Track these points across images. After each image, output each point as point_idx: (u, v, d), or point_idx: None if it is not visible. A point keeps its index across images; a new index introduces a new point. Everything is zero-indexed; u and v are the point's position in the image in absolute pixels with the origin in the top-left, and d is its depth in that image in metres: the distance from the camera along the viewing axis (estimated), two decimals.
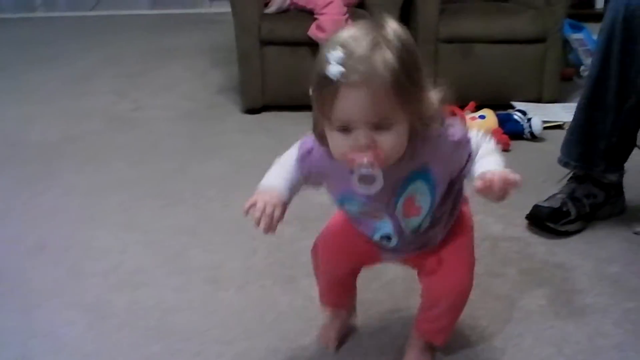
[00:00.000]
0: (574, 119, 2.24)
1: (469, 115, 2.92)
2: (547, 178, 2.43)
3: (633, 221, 2.27)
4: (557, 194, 2.24)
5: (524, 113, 2.96)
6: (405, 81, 1.20)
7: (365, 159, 1.21)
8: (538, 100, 3.23)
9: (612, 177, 2.26)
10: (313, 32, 3.10)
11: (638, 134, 2.24)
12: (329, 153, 1.30)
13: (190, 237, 2.19)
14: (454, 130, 1.33)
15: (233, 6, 3.20)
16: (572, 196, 2.21)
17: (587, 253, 2.10)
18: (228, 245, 2.15)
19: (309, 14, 3.16)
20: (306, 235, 2.15)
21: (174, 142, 2.94)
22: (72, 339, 1.74)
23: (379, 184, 1.24)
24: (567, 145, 2.25)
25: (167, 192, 2.49)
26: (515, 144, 2.84)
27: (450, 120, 1.33)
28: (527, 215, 2.21)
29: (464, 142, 1.34)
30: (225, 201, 2.43)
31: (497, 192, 1.25)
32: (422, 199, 1.37)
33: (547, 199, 2.23)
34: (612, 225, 2.26)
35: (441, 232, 1.48)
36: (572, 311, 1.84)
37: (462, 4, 3.44)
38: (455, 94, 3.11)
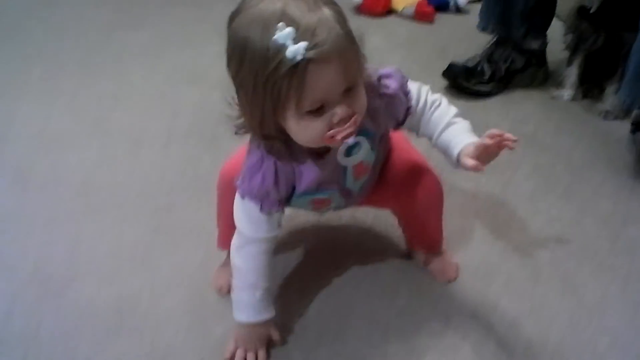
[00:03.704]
0: None
1: None
2: (470, 47, 2.47)
3: (551, 86, 2.33)
4: (475, 55, 2.28)
5: None
6: (350, 32, 1.08)
7: (347, 130, 1.09)
8: None
9: (534, 45, 2.30)
10: None
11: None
12: (281, 155, 1.19)
13: (113, 102, 2.19)
14: (389, 81, 1.24)
15: None
16: (489, 58, 2.26)
17: (504, 114, 2.17)
18: (151, 109, 2.16)
19: None
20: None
21: (95, 14, 2.88)
22: None
23: (365, 149, 1.20)
24: (485, 8, 2.27)
25: (90, 63, 2.46)
26: (440, 16, 2.85)
27: (384, 71, 1.24)
28: (443, 72, 2.25)
29: (400, 94, 1.25)
30: (148, 70, 2.42)
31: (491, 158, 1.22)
32: (365, 157, 1.27)
33: (465, 61, 2.28)
34: (530, 90, 2.32)
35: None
36: (486, 166, 1.91)
37: None
38: None
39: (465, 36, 2.59)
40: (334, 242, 1.64)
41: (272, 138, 1.15)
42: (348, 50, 1.06)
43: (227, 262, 1.48)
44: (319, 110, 1.07)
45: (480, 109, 2.18)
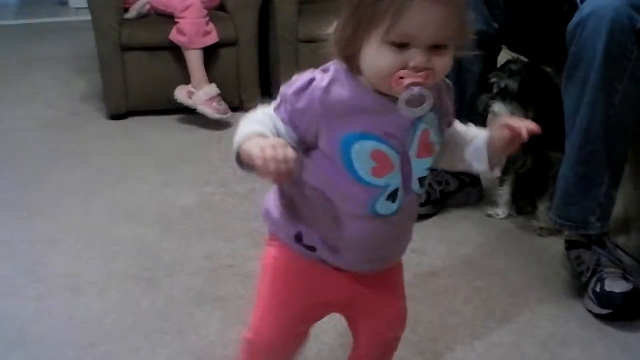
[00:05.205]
0: None
1: None
2: None
3: (486, 204, 2.38)
4: None
5: None
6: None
7: (418, 78, 1.05)
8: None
9: None
10: (174, 36, 3.10)
11: (487, 121, 2.34)
12: (350, 80, 1.13)
13: (49, 246, 2.16)
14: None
15: (92, 12, 3.16)
16: None
17: (441, 237, 2.20)
18: (88, 252, 2.13)
19: (169, 18, 3.15)
20: (167, 237, 2.18)
21: (34, 151, 2.88)
22: None
23: (428, 105, 1.09)
24: None
25: (25, 203, 2.44)
26: None
27: None
28: None
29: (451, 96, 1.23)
30: (85, 208, 2.40)
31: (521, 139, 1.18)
32: (433, 134, 1.18)
33: None
34: (465, 209, 2.37)
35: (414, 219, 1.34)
36: (425, 293, 1.92)
37: (322, 4, 3.47)
38: None
39: None
40: None
41: (350, 63, 1.12)
42: (458, 6, 1.07)
43: None
44: (401, 47, 1.05)
45: (417, 232, 2.19)
